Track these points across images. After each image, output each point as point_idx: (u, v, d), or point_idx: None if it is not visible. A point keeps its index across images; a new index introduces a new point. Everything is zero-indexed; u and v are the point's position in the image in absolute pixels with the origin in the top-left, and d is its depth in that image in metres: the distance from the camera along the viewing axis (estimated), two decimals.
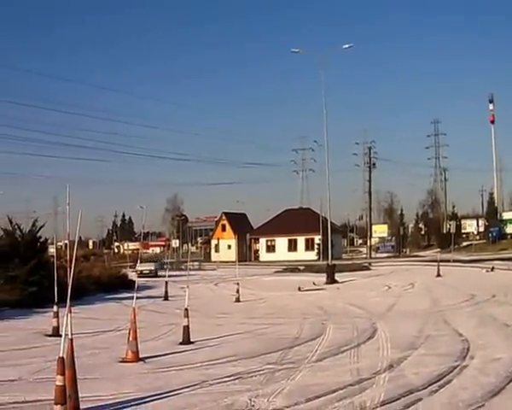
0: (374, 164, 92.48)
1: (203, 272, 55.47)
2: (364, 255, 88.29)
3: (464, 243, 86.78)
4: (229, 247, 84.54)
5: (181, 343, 14.12)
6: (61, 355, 7.64)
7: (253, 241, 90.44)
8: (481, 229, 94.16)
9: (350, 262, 61.08)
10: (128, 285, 32.58)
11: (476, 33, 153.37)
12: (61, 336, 8.47)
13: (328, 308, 21.71)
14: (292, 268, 55.32)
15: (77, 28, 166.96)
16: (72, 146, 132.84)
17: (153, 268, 51.44)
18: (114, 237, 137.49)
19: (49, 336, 15.68)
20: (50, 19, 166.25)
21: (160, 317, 20.81)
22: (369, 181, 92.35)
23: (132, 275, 39.00)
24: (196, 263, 68.70)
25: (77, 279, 25.06)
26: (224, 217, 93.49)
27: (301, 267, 55.24)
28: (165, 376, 10.53)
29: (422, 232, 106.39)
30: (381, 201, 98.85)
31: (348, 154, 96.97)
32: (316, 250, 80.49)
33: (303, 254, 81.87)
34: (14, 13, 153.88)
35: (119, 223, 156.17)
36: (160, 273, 49.62)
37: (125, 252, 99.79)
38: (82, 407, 8.04)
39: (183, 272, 44.88)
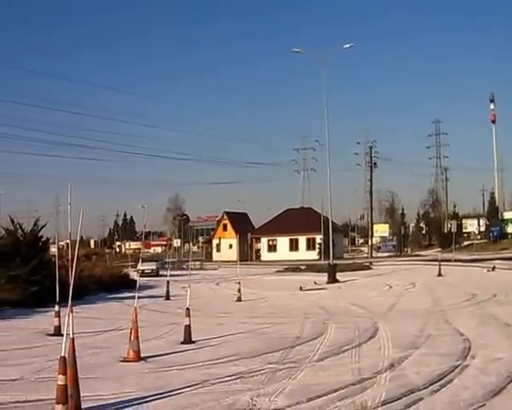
0: (375, 163, 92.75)
1: (204, 272, 55.52)
2: (366, 255, 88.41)
3: (465, 243, 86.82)
4: (231, 246, 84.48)
5: (182, 343, 14.13)
6: (62, 355, 7.65)
7: (254, 240, 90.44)
8: (482, 228, 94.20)
9: (351, 262, 61.18)
10: (130, 285, 32.62)
11: (477, 33, 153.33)
12: (62, 335, 8.49)
13: (329, 308, 21.72)
14: (293, 268, 55.34)
15: (78, 28, 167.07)
16: (73, 146, 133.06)
17: (154, 268, 51.51)
18: (116, 237, 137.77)
19: (51, 335, 15.68)
20: (52, 19, 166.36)
21: (161, 316, 20.82)
22: (371, 180, 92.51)
23: (134, 274, 39.07)
24: (198, 263, 68.77)
25: (78, 279, 25.07)
26: (225, 216, 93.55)
27: (302, 267, 55.23)
28: (167, 375, 10.54)
29: (423, 232, 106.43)
30: (383, 200, 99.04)
31: (349, 153, 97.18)
32: (317, 250, 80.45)
33: (304, 254, 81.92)
34: (17, 13, 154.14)
35: (120, 222, 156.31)
36: (161, 273, 49.73)
37: (127, 251, 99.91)
38: (83, 406, 8.06)
39: (184, 272, 44.92)
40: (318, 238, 79.21)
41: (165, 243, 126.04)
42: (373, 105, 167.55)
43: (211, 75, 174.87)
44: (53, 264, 20.28)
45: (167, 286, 28.84)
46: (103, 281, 33.34)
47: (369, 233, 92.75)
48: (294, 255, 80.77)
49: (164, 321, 18.97)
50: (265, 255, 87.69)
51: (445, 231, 74.02)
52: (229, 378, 10.07)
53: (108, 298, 28.96)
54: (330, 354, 12.27)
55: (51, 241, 28.67)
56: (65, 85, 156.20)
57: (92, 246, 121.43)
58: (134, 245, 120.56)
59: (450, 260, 47.78)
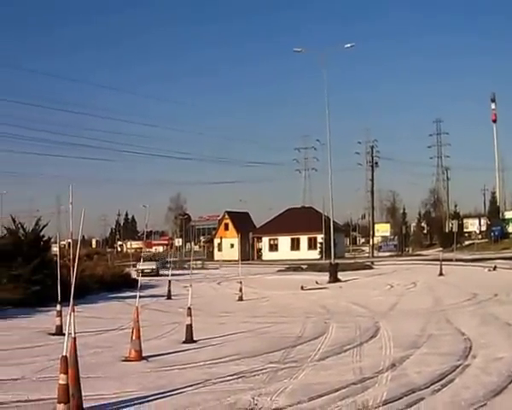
0: (376, 163, 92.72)
1: (206, 271, 55.54)
2: (367, 254, 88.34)
3: (466, 242, 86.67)
4: (232, 246, 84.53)
5: (184, 342, 14.15)
6: (64, 354, 7.66)
7: (255, 240, 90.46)
8: (483, 228, 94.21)
9: (352, 261, 61.17)
10: (131, 284, 32.65)
11: (477, 33, 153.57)
12: (64, 334, 8.50)
13: (330, 307, 21.72)
14: (295, 267, 55.34)
15: (80, 28, 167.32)
16: (75, 145, 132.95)
17: (154, 267, 51.39)
18: (117, 236, 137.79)
19: (53, 334, 15.69)
20: (54, 19, 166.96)
21: (163, 316, 20.84)
22: (372, 180, 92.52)
23: (134, 274, 39.16)
24: (199, 262, 68.77)
25: (80, 278, 25.08)
26: (226, 216, 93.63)
27: (304, 266, 55.25)
28: (169, 375, 10.55)
29: (425, 231, 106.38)
30: (384, 200, 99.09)
31: (350, 153, 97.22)
32: (318, 249, 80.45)
33: (306, 253, 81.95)
34: (19, 13, 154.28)
35: (122, 222, 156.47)
36: (161, 272, 49.71)
37: (128, 251, 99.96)
38: (85, 405, 8.07)
39: (185, 271, 44.90)
40: (320, 238, 79.25)
41: (166, 242, 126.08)
42: (374, 104, 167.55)
43: (211, 75, 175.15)
44: (54, 263, 20.34)
45: (169, 285, 28.86)
46: (105, 280, 33.36)
47: (371, 233, 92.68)
48: (296, 255, 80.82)
49: (165, 320, 18.98)
50: (267, 255, 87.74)
51: (447, 230, 74.30)
52: (231, 378, 10.08)
53: (110, 297, 28.99)
54: (331, 353, 12.28)
55: (53, 240, 28.74)
56: (67, 85, 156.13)
57: (94, 245, 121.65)
58: (135, 245, 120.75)
59: (451, 260, 47.74)
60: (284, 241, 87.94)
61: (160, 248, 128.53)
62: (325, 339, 14.19)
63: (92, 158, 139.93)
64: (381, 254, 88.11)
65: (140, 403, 8.57)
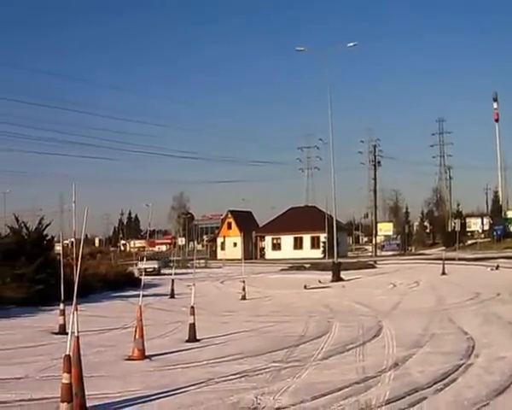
0: (379, 162, 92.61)
1: (209, 270, 55.57)
2: (370, 253, 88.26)
3: (469, 242, 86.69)
4: (235, 245, 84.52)
5: (187, 341, 14.17)
6: (67, 353, 7.68)
7: (258, 239, 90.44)
8: (486, 227, 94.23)
9: (355, 260, 61.12)
10: (134, 283, 32.67)
11: (478, 33, 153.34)
12: (67, 333, 8.51)
13: (333, 306, 21.72)
14: (297, 266, 55.27)
15: (87, 28, 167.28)
16: (77, 144, 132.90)
17: (156, 266, 51.24)
18: (121, 235, 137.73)
19: (56, 333, 15.72)
20: (61, 19, 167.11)
21: (166, 315, 20.86)
22: (375, 179, 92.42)
23: (136, 272, 39.21)
24: (202, 261, 68.81)
25: (83, 277, 25.09)
26: (229, 215, 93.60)
27: (307, 265, 55.20)
28: (172, 374, 10.57)
29: (427, 230, 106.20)
30: (387, 199, 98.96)
31: (353, 152, 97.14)
32: (321, 248, 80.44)
33: (308, 252, 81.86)
34: (26, 13, 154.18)
35: (125, 221, 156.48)
36: (163, 271, 49.68)
37: (132, 250, 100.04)
38: (88, 404, 8.08)
39: (189, 270, 44.90)
40: (322, 237, 79.21)
41: (169, 241, 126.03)
42: (376, 104, 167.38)
43: (213, 74, 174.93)
44: (58, 262, 20.34)
45: (172, 284, 28.88)
46: (108, 279, 33.40)
47: (373, 232, 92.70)
48: (299, 254, 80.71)
49: (168, 319, 19.00)
50: (270, 254, 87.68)
51: (449, 229, 74.19)
52: (234, 377, 10.09)
53: (113, 296, 29.03)
54: (334, 352, 12.29)
55: (56, 239, 28.73)
56: (72, 85, 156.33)
57: (97, 244, 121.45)
58: (138, 243, 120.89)
59: (453, 259, 47.73)
60: (287, 240, 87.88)
61: (164, 247, 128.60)
62: (328, 338, 14.20)
63: (95, 157, 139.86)
64: (383, 253, 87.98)
65: (143, 402, 8.59)
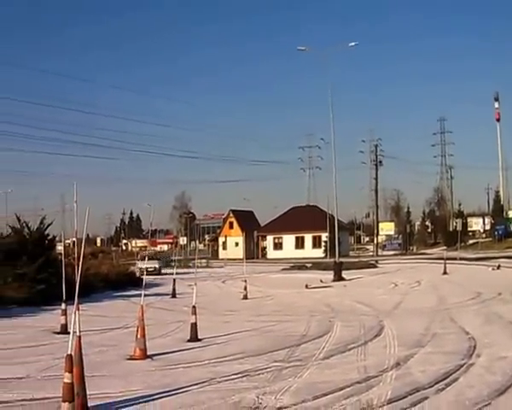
0: (380, 162, 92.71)
1: (211, 270, 55.57)
2: (371, 253, 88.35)
3: (470, 241, 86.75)
4: (237, 244, 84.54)
5: (189, 341, 14.17)
6: (68, 353, 7.68)
7: (260, 238, 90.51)
8: (487, 227, 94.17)
9: (357, 260, 61.11)
10: (136, 283, 32.71)
11: (480, 34, 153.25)
12: (69, 333, 8.51)
13: (335, 306, 21.72)
14: (299, 266, 55.29)
15: (88, 29, 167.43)
16: (79, 144, 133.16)
17: (157, 266, 51.11)
18: (122, 235, 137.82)
19: (57, 333, 15.71)
20: (64, 20, 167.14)
21: (167, 314, 20.86)
22: (376, 179, 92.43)
23: (137, 272, 39.24)
24: (204, 260, 68.81)
25: (85, 277, 25.11)
26: (231, 214, 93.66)
27: (308, 265, 55.21)
28: (173, 373, 10.57)
29: (429, 230, 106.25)
30: (388, 198, 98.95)
31: (354, 151, 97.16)
32: (323, 248, 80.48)
33: (310, 252, 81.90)
34: (29, 14, 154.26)
35: (127, 220, 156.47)
36: (165, 271, 49.65)
37: (133, 249, 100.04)
38: (90, 404, 8.09)
39: (190, 270, 44.92)
40: (324, 236, 79.28)
41: (171, 240, 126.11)
42: (378, 103, 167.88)
43: (214, 75, 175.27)
44: (59, 262, 20.31)
45: (173, 284, 28.86)
46: (110, 279, 33.39)
47: (375, 231, 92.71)
48: (300, 253, 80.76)
49: (170, 319, 19.00)
50: (271, 253, 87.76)
51: (451, 229, 74.15)
52: (236, 376, 10.10)
53: (115, 296, 29.02)
54: (336, 352, 12.29)
55: (57, 239, 28.73)
56: (75, 85, 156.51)
57: (98, 244, 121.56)
58: (140, 243, 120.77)
59: (455, 259, 47.73)
60: (289, 239, 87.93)
61: (165, 247, 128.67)
62: (330, 338, 14.20)
63: (96, 157, 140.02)
64: (385, 252, 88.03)
65: (145, 402, 8.59)
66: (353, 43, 42.01)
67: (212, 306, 22.41)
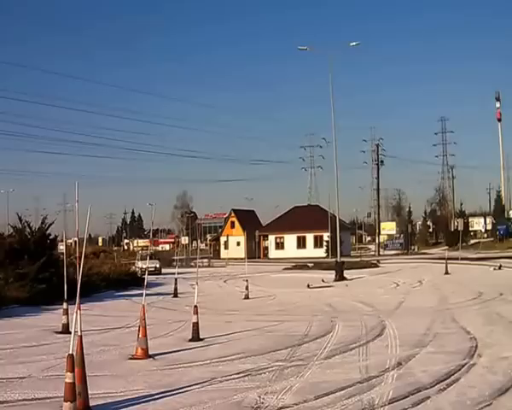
0: (382, 161, 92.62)
1: (212, 269, 55.56)
2: (373, 253, 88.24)
3: (472, 241, 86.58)
4: (238, 244, 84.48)
5: (190, 340, 14.17)
6: (70, 352, 7.69)
7: (261, 238, 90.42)
8: (489, 227, 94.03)
9: (358, 259, 61.07)
10: (138, 282, 32.69)
11: (481, 34, 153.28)
12: (70, 333, 8.52)
13: (336, 305, 21.72)
14: (301, 265, 55.29)
15: (90, 29, 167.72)
16: (81, 143, 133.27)
17: (157, 265, 51.14)
18: (124, 234, 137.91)
19: (59, 333, 15.72)
20: (71, 20, 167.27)
21: (169, 314, 20.85)
22: (377, 178, 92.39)
23: (137, 271, 39.24)
24: (205, 260, 68.78)
25: (86, 276, 25.26)
26: (232, 214, 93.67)
27: (310, 264, 55.17)
28: (175, 373, 10.58)
29: (430, 230, 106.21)
30: (390, 198, 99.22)
31: (356, 151, 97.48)
32: (324, 247, 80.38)
33: (312, 251, 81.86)
34: (32, 15, 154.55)
35: (128, 220, 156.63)
36: (167, 271, 49.61)
37: (135, 249, 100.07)
38: (91, 404, 8.10)
39: (192, 269, 44.91)
40: (326, 236, 79.19)
41: (172, 240, 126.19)
42: (379, 103, 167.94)
43: (216, 74, 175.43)
44: (61, 262, 20.38)
45: (175, 283, 28.88)
46: (111, 278, 33.34)
47: (377, 231, 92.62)
48: (302, 253, 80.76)
49: (172, 319, 19.00)
50: (273, 253, 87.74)
51: (452, 229, 73.96)
52: (237, 376, 10.10)
53: (116, 295, 29.01)
54: (338, 351, 12.29)
55: (59, 239, 28.76)
56: (72, 85, 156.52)
57: (100, 244, 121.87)
58: (142, 243, 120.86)
59: (456, 259, 47.67)
60: (290, 239, 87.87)
61: (167, 247, 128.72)
62: (331, 337, 14.20)
63: (98, 156, 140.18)
64: (386, 252, 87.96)
65: (146, 401, 8.60)
66: (355, 43, 41.91)
67: (213, 305, 22.41)
